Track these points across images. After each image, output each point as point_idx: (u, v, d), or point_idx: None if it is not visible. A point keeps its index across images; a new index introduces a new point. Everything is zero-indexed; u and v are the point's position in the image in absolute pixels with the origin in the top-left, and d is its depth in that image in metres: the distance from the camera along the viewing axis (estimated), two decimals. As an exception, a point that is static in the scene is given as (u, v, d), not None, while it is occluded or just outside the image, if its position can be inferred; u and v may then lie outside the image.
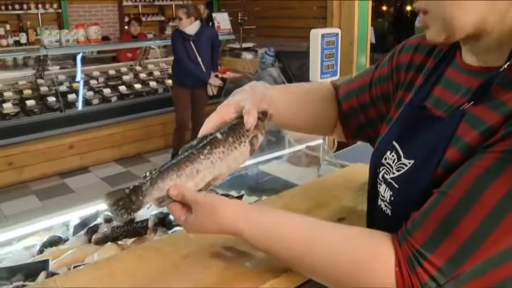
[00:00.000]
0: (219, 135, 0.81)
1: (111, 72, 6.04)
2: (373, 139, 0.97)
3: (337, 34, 1.95)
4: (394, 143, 0.84)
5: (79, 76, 5.61)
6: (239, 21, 7.72)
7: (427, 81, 0.85)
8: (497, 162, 0.62)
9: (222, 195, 1.73)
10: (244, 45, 7.48)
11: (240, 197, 1.59)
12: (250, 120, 0.81)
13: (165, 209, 1.57)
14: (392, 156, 0.84)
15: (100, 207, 1.78)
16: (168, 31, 9.58)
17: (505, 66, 0.67)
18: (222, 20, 7.23)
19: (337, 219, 1.08)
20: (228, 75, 5.95)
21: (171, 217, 1.63)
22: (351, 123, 1.04)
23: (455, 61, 0.81)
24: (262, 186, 1.70)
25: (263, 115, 0.85)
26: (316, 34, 1.91)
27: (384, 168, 0.85)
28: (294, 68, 6.18)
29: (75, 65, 5.74)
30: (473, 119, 0.70)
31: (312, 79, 1.91)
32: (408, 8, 10.78)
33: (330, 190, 1.27)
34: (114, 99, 5.41)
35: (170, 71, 6.29)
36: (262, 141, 0.86)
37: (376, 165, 0.88)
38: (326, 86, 1.09)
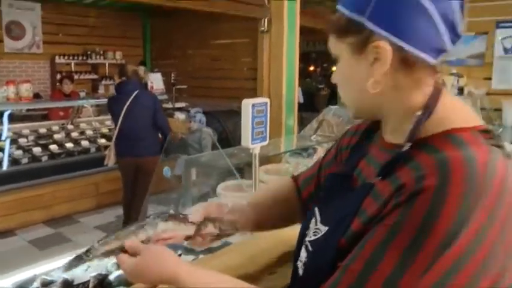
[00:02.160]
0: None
1: (42, 130, 5.96)
2: None
3: (266, 103, 2.16)
4: (315, 208, 0.93)
5: (5, 134, 5.49)
6: (172, 81, 7.90)
7: (352, 155, 0.96)
8: (388, 234, 0.68)
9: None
10: (177, 105, 7.63)
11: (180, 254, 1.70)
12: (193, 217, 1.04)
13: (103, 271, 1.65)
14: (313, 222, 0.91)
15: (37, 270, 1.80)
16: (101, 90, 9.60)
17: (408, 146, 0.75)
18: (155, 80, 7.35)
19: (269, 273, 1.23)
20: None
21: (111, 278, 1.70)
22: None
23: (377, 137, 0.91)
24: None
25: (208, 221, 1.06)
26: (247, 104, 2.10)
27: (308, 233, 0.91)
28: (229, 127, 6.40)
29: (1, 122, 5.62)
30: (375, 193, 0.76)
31: (244, 144, 2.09)
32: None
33: (262, 247, 1.42)
34: (44, 158, 5.33)
35: (103, 130, 6.32)
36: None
37: (304, 228, 0.94)
38: (287, 185, 1.20)
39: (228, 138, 6.08)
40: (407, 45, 0.74)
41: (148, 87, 6.67)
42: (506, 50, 6.02)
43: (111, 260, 1.34)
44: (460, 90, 5.70)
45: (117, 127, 4.45)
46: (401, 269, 0.65)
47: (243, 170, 2.55)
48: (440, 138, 0.73)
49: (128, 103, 4.35)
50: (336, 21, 0.80)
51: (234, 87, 8.58)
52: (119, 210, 5.52)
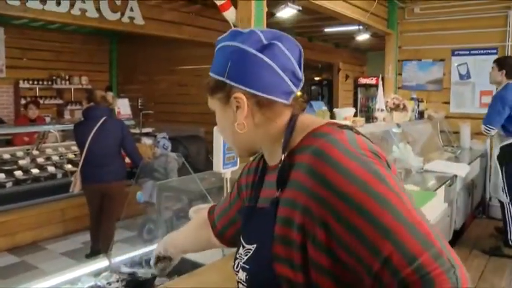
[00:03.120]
0: None
1: (6, 156, 5.85)
2: None
3: (236, 130, 2.25)
4: (241, 238, 1.07)
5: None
6: (139, 106, 7.90)
7: (256, 189, 1.12)
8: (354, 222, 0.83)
9: (129, 274, 1.88)
10: (144, 130, 7.62)
11: (153, 279, 1.75)
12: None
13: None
14: (241, 247, 1.05)
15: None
16: (67, 115, 9.50)
17: (283, 157, 0.96)
18: (122, 106, 7.32)
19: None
20: (127, 160, 6.05)
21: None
22: (225, 236, 1.33)
23: (266, 167, 1.10)
24: (172, 268, 1.86)
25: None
26: (218, 131, 2.18)
27: (237, 261, 1.05)
28: (192, 152, 6.44)
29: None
30: (284, 201, 0.93)
31: (216, 170, 2.17)
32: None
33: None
34: (9, 184, 5.24)
35: (69, 155, 6.26)
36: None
37: (235, 258, 1.08)
38: (203, 218, 1.42)
39: (192, 162, 6.11)
40: (258, 93, 0.97)
41: (116, 112, 6.66)
42: (461, 76, 6.34)
43: None
44: (421, 114, 5.94)
45: (83, 153, 4.40)
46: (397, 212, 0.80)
47: (214, 194, 2.62)
48: (307, 139, 0.94)
49: (94, 129, 4.31)
50: (207, 83, 1.03)
51: (200, 112, 8.64)
52: (86, 236, 5.44)
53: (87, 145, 4.33)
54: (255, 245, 0.99)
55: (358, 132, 0.94)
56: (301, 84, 1.02)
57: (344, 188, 0.82)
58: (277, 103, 0.98)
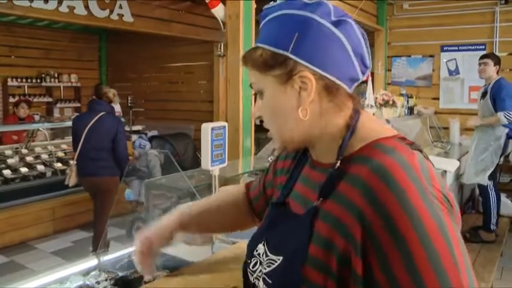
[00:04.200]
0: None
1: (-6, 155, 5.82)
2: None
3: (224, 127, 2.24)
4: (262, 239, 0.94)
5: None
6: (129, 104, 7.86)
7: (289, 179, 0.99)
8: (404, 257, 0.70)
9: (121, 276, 1.87)
10: (134, 127, 7.59)
11: (142, 277, 1.74)
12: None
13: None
14: (263, 250, 0.92)
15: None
16: (56, 113, 9.42)
17: (338, 164, 0.82)
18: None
19: (232, 287, 1.29)
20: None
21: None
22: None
23: (309, 160, 0.96)
24: (160, 265, 1.85)
25: None
26: (206, 128, 2.17)
27: (255, 260, 0.93)
28: (180, 150, 6.42)
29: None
30: (324, 214, 0.80)
31: (204, 167, 2.16)
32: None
33: (223, 263, 1.49)
34: (-3, 183, 5.20)
35: (59, 154, 6.22)
36: None
37: (249, 255, 0.96)
38: (236, 193, 1.27)
39: (179, 161, 6.10)
40: (328, 74, 0.83)
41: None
42: (450, 72, 6.37)
43: None
44: (410, 110, 5.97)
45: (79, 146, 4.43)
46: (442, 275, 0.68)
47: (203, 191, 2.61)
48: (368, 149, 0.81)
49: (91, 122, 4.38)
50: (260, 56, 0.86)
51: (190, 110, 8.64)
52: (76, 235, 5.44)
53: (82, 137, 4.36)
54: (281, 258, 0.86)
55: (427, 157, 0.81)
56: (368, 72, 0.89)
57: (402, 228, 0.69)
58: (341, 90, 0.85)
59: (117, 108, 7.37)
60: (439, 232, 0.69)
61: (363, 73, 0.87)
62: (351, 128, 0.85)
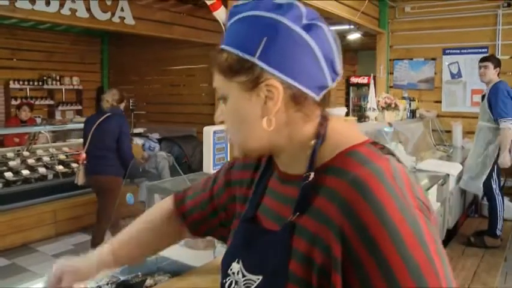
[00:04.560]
0: None
1: (-4, 157, 5.82)
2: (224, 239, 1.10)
3: (227, 130, 2.23)
4: (236, 257, 0.89)
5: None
6: (130, 107, 7.87)
7: (255, 193, 0.94)
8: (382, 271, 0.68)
9: (123, 280, 1.86)
10: (136, 130, 7.60)
11: (143, 281, 1.73)
12: None
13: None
14: (237, 270, 0.87)
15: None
16: (58, 115, 9.43)
17: (311, 176, 0.78)
18: (114, 105, 7.31)
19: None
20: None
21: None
22: (199, 230, 1.15)
23: (275, 172, 0.91)
24: (162, 270, 1.84)
25: None
26: (208, 131, 2.17)
27: (230, 279, 0.88)
28: (188, 152, 6.42)
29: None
30: (300, 230, 0.77)
31: (206, 171, 2.15)
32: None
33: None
34: (-1, 186, 5.20)
35: (61, 156, 6.21)
36: None
37: (224, 274, 0.92)
38: (166, 208, 1.19)
39: (187, 162, 6.12)
40: (296, 83, 0.78)
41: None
42: (452, 75, 6.36)
43: None
44: (413, 113, 5.96)
45: (86, 145, 4.58)
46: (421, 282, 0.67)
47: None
48: (341, 159, 0.77)
49: (97, 122, 4.53)
50: (225, 60, 0.81)
51: (192, 113, 8.63)
52: (78, 238, 5.43)
53: (89, 136, 4.55)
54: (260, 277, 0.82)
55: (399, 160, 0.79)
56: (338, 79, 0.83)
57: (379, 240, 0.68)
58: (309, 99, 0.80)
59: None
60: (416, 240, 0.68)
61: (333, 80, 0.82)
62: (320, 136, 0.81)
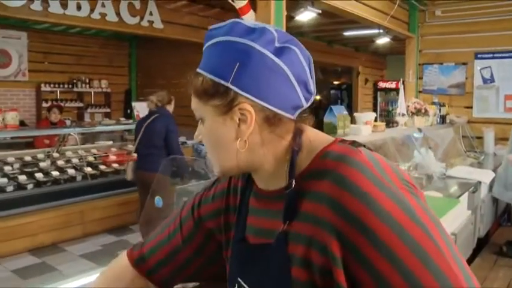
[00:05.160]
0: None
1: (27, 158, 5.93)
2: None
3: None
4: (238, 279, 0.90)
5: (-10, 162, 5.46)
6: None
7: (239, 215, 0.95)
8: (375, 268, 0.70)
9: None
10: (163, 133, 7.63)
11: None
12: None
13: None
14: None
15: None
16: (87, 118, 9.59)
17: (293, 184, 0.80)
18: (141, 109, 7.37)
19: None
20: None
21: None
22: (159, 275, 1.06)
23: (254, 191, 0.92)
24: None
25: None
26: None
27: None
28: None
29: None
30: (294, 236, 0.78)
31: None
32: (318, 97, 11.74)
33: None
34: (30, 186, 5.30)
35: (89, 158, 6.31)
36: None
37: None
38: (121, 271, 1.10)
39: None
40: (269, 106, 0.80)
41: (135, 115, 6.72)
42: (485, 80, 6.22)
43: None
44: (443, 119, 5.84)
45: (136, 144, 4.98)
46: (430, 263, 0.68)
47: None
48: (317, 162, 0.80)
49: (146, 123, 4.92)
50: (200, 84, 0.84)
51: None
52: (105, 239, 5.49)
53: (139, 136, 4.92)
54: None
55: (371, 149, 0.82)
56: (312, 99, 0.86)
57: (374, 228, 0.69)
58: (283, 119, 0.82)
59: (145, 113, 7.45)
60: (410, 219, 0.70)
61: (307, 100, 0.84)
62: (296, 149, 0.83)
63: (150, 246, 1.08)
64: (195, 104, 0.87)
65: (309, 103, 0.85)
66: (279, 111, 0.81)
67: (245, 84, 0.79)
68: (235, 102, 0.80)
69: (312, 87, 0.85)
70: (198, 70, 0.85)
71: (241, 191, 0.97)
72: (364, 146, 0.82)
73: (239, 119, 0.81)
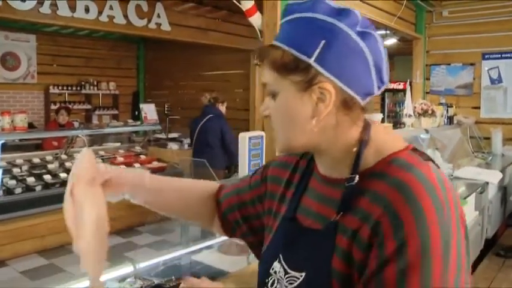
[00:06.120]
0: None
1: (36, 160, 5.96)
2: (245, 239, 1.12)
3: (262, 136, 2.23)
4: (280, 255, 0.90)
5: (-2, 164, 5.49)
6: (165, 111, 7.95)
7: (295, 193, 0.96)
8: (397, 269, 0.71)
9: (157, 284, 1.87)
10: (170, 135, 7.67)
11: (177, 285, 1.73)
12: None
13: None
14: (280, 268, 0.89)
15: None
16: (95, 120, 9.64)
17: (356, 178, 0.80)
18: (148, 111, 7.38)
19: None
20: (154, 164, 6.13)
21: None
22: (229, 218, 1.11)
23: (315, 173, 0.93)
24: (196, 275, 1.85)
25: None
26: (244, 137, 2.16)
27: (272, 278, 0.90)
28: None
29: (-5, 152, 5.63)
30: (343, 228, 0.80)
31: (241, 177, 2.15)
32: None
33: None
34: (38, 188, 5.32)
35: (97, 160, 6.33)
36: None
37: (264, 274, 0.93)
38: (210, 184, 1.19)
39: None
40: (348, 89, 0.80)
41: (142, 117, 6.74)
42: (492, 80, 6.18)
43: None
44: (450, 119, 5.82)
45: (193, 142, 5.57)
46: None
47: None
48: (384, 165, 0.80)
49: (201, 123, 5.44)
50: (280, 58, 0.82)
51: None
52: (112, 240, 5.49)
53: (195, 135, 5.45)
54: (303, 274, 0.84)
55: (438, 167, 0.82)
56: (382, 89, 0.86)
57: (409, 242, 0.70)
58: (357, 104, 0.82)
59: (153, 115, 7.48)
60: (441, 257, 0.70)
61: (379, 88, 0.84)
62: (364, 141, 0.83)
63: (228, 184, 1.16)
64: (270, 77, 0.85)
65: (379, 92, 0.85)
66: (355, 95, 0.81)
67: (329, 64, 0.79)
68: (315, 80, 0.80)
69: (386, 77, 0.84)
70: (276, 43, 0.83)
71: (303, 170, 0.97)
72: (433, 161, 0.82)
73: (317, 98, 0.80)
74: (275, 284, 0.89)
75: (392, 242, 0.71)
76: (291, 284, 0.85)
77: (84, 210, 0.89)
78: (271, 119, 0.88)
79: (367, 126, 0.85)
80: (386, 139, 0.85)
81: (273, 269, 0.91)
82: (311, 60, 0.79)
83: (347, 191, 0.81)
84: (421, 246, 0.70)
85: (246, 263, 1.84)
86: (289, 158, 1.03)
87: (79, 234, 0.90)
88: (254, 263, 1.76)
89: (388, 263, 0.71)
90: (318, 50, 0.79)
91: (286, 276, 0.87)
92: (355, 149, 0.83)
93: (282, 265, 0.89)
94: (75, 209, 0.90)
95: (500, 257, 4.53)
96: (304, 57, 0.79)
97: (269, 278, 0.91)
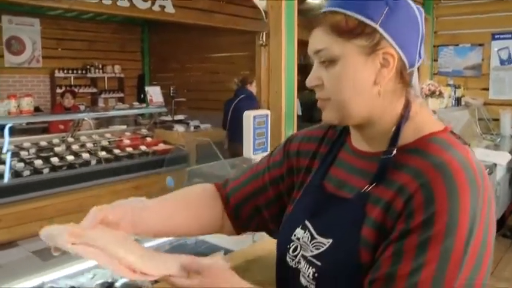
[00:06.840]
0: None
1: (43, 143, 5.98)
2: (264, 227, 1.11)
3: (267, 115, 2.22)
4: (305, 221, 0.91)
5: (6, 147, 5.51)
6: (171, 94, 7.94)
7: (323, 163, 0.97)
8: (420, 239, 0.73)
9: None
10: (176, 117, 7.67)
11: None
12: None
13: (109, 279, 1.67)
14: (306, 234, 0.90)
15: (45, 278, 1.84)
16: (101, 103, 9.64)
17: (394, 152, 0.82)
18: (154, 93, 7.38)
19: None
20: (160, 147, 6.14)
21: (117, 285, 1.73)
22: (242, 214, 1.09)
23: (347, 145, 0.95)
24: (202, 254, 1.85)
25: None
26: (248, 116, 2.15)
27: (294, 244, 0.92)
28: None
29: (2, 136, 5.64)
30: (375, 199, 0.81)
31: (246, 156, 2.14)
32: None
33: (265, 251, 1.46)
34: (45, 170, 5.35)
35: (103, 142, 6.35)
36: None
37: (286, 240, 0.94)
38: (203, 187, 1.14)
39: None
40: (404, 56, 0.83)
41: (148, 99, 6.74)
42: (502, 61, 6.10)
43: None
44: (458, 101, 5.77)
45: (227, 121, 5.88)
46: (442, 268, 0.71)
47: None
48: (424, 142, 0.82)
49: (234, 104, 5.80)
50: (343, 22, 0.81)
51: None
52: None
53: (229, 115, 5.81)
54: (330, 240, 0.85)
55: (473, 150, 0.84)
56: (418, 64, 0.87)
57: (437, 219, 0.72)
58: (406, 74, 0.84)
59: (159, 97, 7.47)
60: (465, 238, 0.72)
61: (418, 61, 0.86)
62: (405, 116, 0.84)
63: (232, 176, 1.16)
64: (328, 41, 0.83)
65: (415, 67, 0.87)
66: (407, 65, 0.84)
67: (392, 29, 0.81)
68: (379, 46, 0.81)
69: (423, 52, 0.87)
70: (336, 9, 0.83)
71: (332, 142, 0.99)
72: (469, 145, 0.85)
73: (380, 63, 0.82)
74: (298, 250, 0.91)
75: (421, 215, 0.73)
76: (317, 249, 0.86)
77: (98, 241, 0.86)
78: (325, 88, 0.86)
79: (407, 102, 0.86)
80: (426, 118, 0.87)
81: (295, 235, 0.92)
82: (376, 25, 0.80)
83: (383, 163, 0.83)
84: (447, 224, 0.71)
85: (251, 241, 1.84)
86: (314, 131, 1.05)
87: (122, 257, 0.83)
88: (259, 242, 1.75)
89: (411, 232, 0.74)
90: (382, 15, 0.80)
91: (313, 241, 0.88)
92: (395, 125, 0.85)
93: (308, 230, 0.90)
94: (95, 249, 0.84)
95: (507, 238, 4.52)
96: (370, 22, 0.80)
97: (291, 244, 0.93)
